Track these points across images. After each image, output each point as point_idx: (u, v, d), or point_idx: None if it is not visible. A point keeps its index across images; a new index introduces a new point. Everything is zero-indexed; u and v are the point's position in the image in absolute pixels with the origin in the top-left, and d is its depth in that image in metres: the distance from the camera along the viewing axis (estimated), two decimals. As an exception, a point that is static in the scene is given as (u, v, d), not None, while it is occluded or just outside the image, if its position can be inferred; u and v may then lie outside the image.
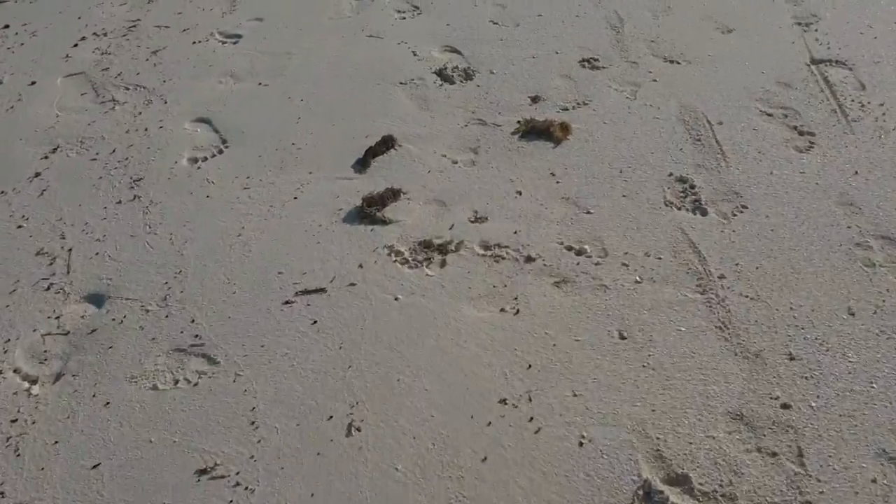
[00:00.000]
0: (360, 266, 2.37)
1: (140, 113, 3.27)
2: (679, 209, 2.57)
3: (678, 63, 3.45)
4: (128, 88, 3.47)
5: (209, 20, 4.07)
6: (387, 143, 2.92)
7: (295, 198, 2.70)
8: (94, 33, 3.98)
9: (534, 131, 3.00)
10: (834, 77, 3.29)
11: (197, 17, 4.11)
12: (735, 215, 2.52)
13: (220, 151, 2.98)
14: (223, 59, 3.67)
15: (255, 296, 2.28)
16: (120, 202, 2.74)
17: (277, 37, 3.86)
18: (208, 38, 3.88)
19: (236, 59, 3.67)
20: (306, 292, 2.26)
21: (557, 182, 2.71)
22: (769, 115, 3.06)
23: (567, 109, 3.15)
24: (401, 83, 3.38)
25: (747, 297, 2.20)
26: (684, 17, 3.87)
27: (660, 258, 2.35)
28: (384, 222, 2.54)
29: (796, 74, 3.31)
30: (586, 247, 2.40)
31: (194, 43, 3.82)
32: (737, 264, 2.31)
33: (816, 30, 3.68)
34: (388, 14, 4.05)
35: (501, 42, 3.69)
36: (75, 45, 3.86)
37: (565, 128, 2.99)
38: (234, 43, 3.83)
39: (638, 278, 2.27)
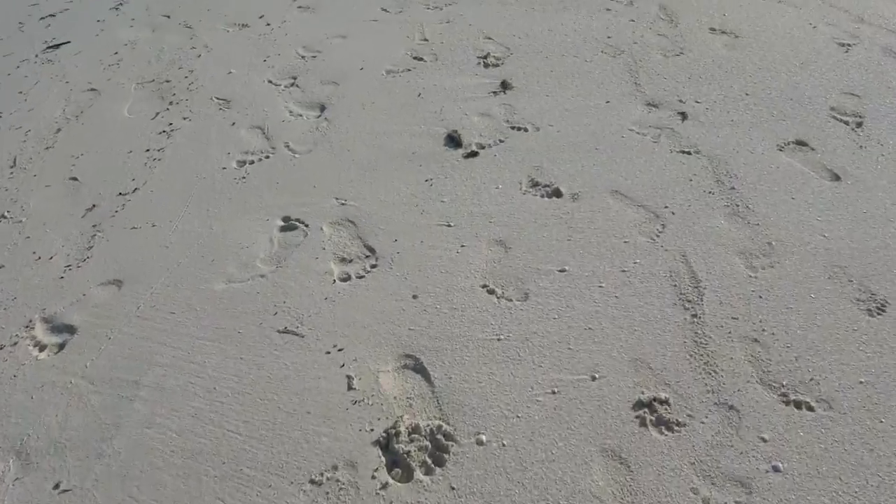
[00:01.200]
0: None
1: None
2: None
3: (812, 409, 1.93)
4: None
5: (39, 287, 2.62)
6: None
7: None
8: None
9: None
10: None
11: (27, 278, 2.67)
12: None
13: None
14: None
15: None
16: None
17: (127, 346, 2.32)
18: (16, 339, 2.42)
19: (26, 419, 2.17)
20: None
21: None
22: None
23: (618, 576, 1.63)
24: (312, 482, 1.88)
25: None
26: (797, 266, 2.33)
27: None
28: None
29: None
30: None
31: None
32: None
33: None
34: (325, 266, 2.57)
35: (499, 345, 2.19)
36: None
37: None
38: (57, 351, 2.34)
39: None
